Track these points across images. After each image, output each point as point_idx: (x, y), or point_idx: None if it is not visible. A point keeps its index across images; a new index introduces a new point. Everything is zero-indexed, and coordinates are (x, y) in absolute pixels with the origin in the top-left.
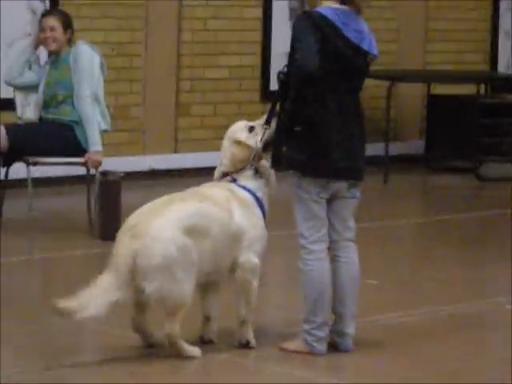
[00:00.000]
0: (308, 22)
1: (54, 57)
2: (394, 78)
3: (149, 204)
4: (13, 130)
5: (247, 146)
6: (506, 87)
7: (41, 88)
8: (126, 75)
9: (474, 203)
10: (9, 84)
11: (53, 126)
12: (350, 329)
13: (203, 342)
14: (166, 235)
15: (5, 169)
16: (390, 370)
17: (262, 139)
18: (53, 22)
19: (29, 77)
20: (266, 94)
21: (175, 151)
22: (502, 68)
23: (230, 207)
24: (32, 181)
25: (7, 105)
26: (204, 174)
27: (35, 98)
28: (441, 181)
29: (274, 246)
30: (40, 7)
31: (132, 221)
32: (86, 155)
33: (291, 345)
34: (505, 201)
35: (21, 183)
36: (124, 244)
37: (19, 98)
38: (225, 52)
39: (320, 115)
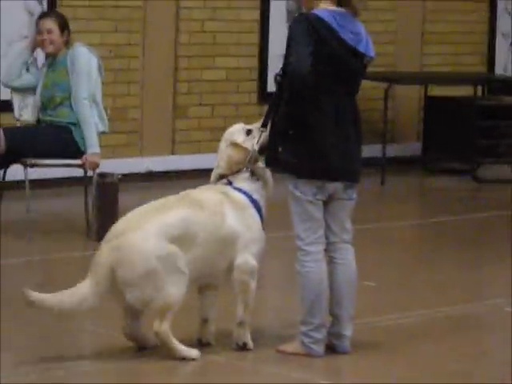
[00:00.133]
0: (304, 24)
1: (52, 59)
2: (392, 79)
3: (137, 210)
4: (10, 131)
5: (244, 149)
6: (503, 89)
7: (38, 90)
8: (124, 77)
9: (471, 205)
10: (6, 86)
11: (50, 128)
12: (348, 331)
13: (201, 344)
14: (145, 247)
15: (2, 170)
16: (388, 371)
17: (258, 142)
18: (50, 24)
19: (26, 79)
20: (263, 96)
21: (172, 153)
22: (499, 70)
23: (223, 210)
24: (30, 182)
25: (5, 107)
26: (201, 175)
27: (33, 100)
28: (438, 183)
29: (271, 247)
30: (37, 8)
31: (118, 228)
32: (84, 157)
33: (288, 347)
34: (502, 203)
35: (18, 185)
36: (104, 254)
37: (17, 100)
38: (222, 54)
39: (314, 117)
